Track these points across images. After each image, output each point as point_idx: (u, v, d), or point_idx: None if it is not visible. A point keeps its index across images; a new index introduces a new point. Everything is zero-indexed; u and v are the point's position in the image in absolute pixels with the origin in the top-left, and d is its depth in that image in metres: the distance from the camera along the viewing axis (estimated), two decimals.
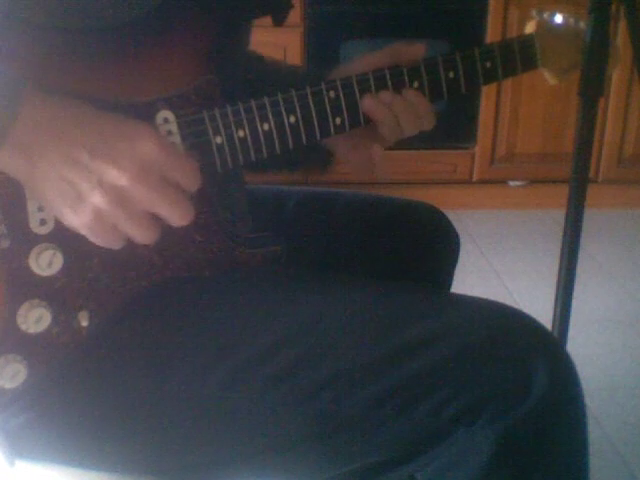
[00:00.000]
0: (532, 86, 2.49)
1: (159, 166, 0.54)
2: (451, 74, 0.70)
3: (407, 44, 0.71)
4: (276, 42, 2.31)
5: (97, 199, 0.52)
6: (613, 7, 0.88)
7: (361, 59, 0.73)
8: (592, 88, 0.89)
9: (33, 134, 0.51)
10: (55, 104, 0.53)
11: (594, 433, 1.43)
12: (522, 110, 2.59)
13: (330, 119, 0.66)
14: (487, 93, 2.52)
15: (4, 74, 0.50)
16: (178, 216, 0.55)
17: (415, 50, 0.70)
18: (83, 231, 0.54)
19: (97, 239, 0.54)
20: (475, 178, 2.69)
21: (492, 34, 2.50)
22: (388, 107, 0.69)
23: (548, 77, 0.78)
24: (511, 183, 2.73)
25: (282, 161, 0.79)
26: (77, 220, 0.53)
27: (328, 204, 0.88)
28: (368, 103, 0.68)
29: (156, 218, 0.55)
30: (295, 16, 2.42)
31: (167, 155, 0.54)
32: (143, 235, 0.55)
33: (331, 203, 0.88)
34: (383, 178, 0.78)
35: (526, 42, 0.73)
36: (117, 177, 0.52)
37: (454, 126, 2.61)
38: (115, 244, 0.55)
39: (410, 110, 0.69)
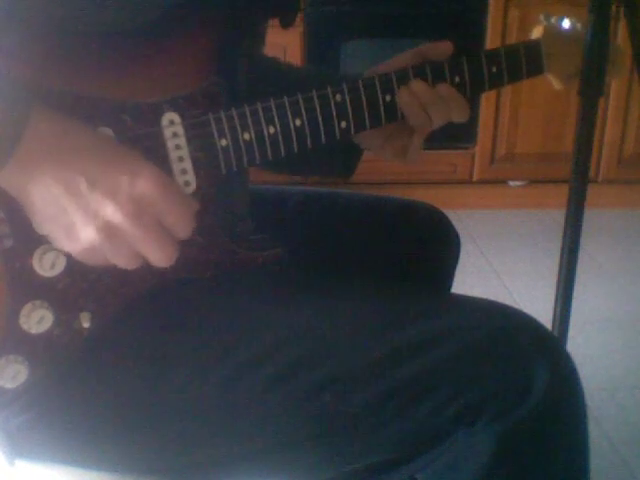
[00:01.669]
0: (532, 86, 2.49)
1: (156, 207, 0.53)
2: (457, 79, 0.70)
3: (434, 44, 0.71)
4: (276, 42, 2.29)
5: (90, 233, 0.52)
6: (613, 7, 0.87)
7: (390, 61, 0.73)
8: (592, 88, 0.89)
9: (36, 156, 0.51)
10: (61, 128, 0.52)
11: (594, 433, 1.43)
12: (522, 110, 2.59)
13: (336, 123, 0.65)
14: (487, 93, 2.52)
15: (11, 93, 0.50)
16: (159, 259, 0.55)
17: (441, 49, 0.70)
18: (73, 255, 0.54)
19: (85, 262, 0.55)
20: (475, 178, 2.69)
21: (492, 34, 2.50)
22: (417, 98, 0.69)
23: (553, 82, 0.78)
24: (511, 183, 2.73)
25: (302, 162, 0.79)
26: (68, 246, 0.54)
27: (328, 204, 0.88)
28: (402, 96, 0.68)
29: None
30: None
31: (166, 197, 0.53)
32: (125, 265, 0.55)
33: (331, 203, 0.88)
34: (413, 163, 0.77)
35: (532, 47, 0.73)
36: (113, 213, 0.52)
37: (454, 126, 2.60)
38: (102, 265, 0.55)
39: (440, 102, 0.70)
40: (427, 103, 0.69)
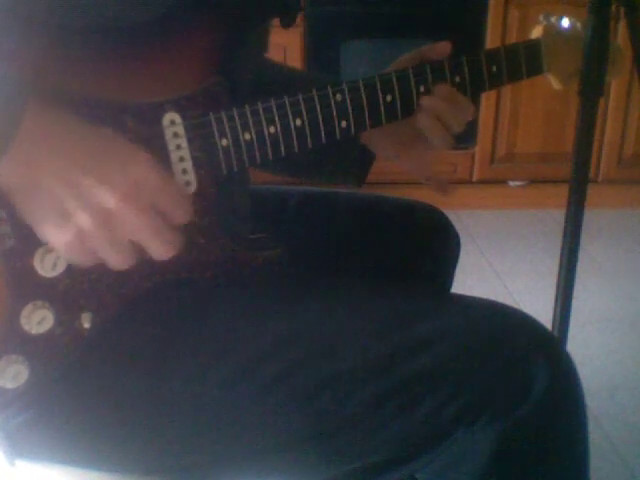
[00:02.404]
0: (532, 86, 2.49)
1: (150, 192, 0.53)
2: (457, 78, 0.70)
3: (431, 45, 0.71)
4: (276, 42, 2.29)
5: (82, 219, 0.51)
6: (613, 7, 0.87)
7: (394, 63, 0.73)
8: (592, 88, 0.89)
9: (30, 147, 0.50)
10: (55, 119, 0.52)
11: (594, 433, 1.43)
12: (522, 110, 2.59)
13: (336, 122, 0.65)
14: (487, 93, 2.52)
15: (8, 85, 0.50)
16: (160, 248, 0.54)
17: (439, 50, 0.70)
18: (60, 248, 0.53)
19: (73, 258, 0.53)
20: (475, 178, 2.69)
21: (492, 34, 2.50)
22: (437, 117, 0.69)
23: (553, 82, 0.78)
24: (511, 183, 2.73)
25: (315, 169, 0.80)
26: (58, 238, 0.52)
27: (328, 204, 0.88)
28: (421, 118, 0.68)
29: (135, 247, 0.54)
30: None
31: (159, 182, 0.53)
32: (117, 262, 0.54)
33: (331, 203, 0.88)
34: (431, 180, 0.78)
35: (532, 47, 0.73)
36: (106, 197, 0.51)
37: None
38: (88, 264, 0.54)
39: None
40: (445, 117, 0.69)
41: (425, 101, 0.68)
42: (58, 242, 0.52)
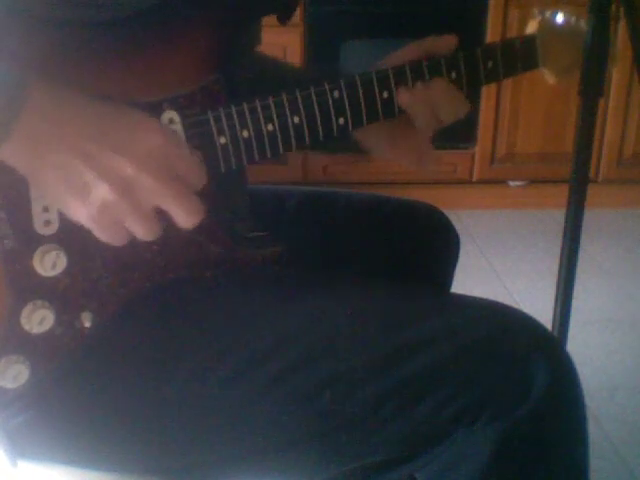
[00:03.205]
0: (532, 86, 2.49)
1: (166, 157, 0.53)
2: (454, 74, 0.70)
3: (437, 39, 0.70)
4: (276, 42, 2.31)
5: (104, 189, 0.51)
6: (613, 7, 0.88)
7: (392, 55, 0.72)
8: (592, 88, 0.89)
9: (39, 125, 0.50)
10: (61, 94, 0.52)
11: (594, 433, 1.43)
12: (522, 110, 2.59)
13: (334, 119, 0.65)
14: (487, 93, 2.52)
15: (10, 65, 0.50)
16: (185, 213, 0.54)
17: (444, 44, 0.70)
18: (88, 224, 0.53)
19: (102, 233, 0.54)
20: (475, 178, 2.69)
21: (492, 34, 2.50)
22: (420, 98, 0.69)
23: (547, 76, 0.78)
24: (511, 183, 2.73)
25: None
26: (83, 212, 0.52)
27: (328, 204, 0.88)
28: (402, 96, 0.68)
29: (160, 215, 0.54)
30: (295, 16, 2.42)
31: (173, 147, 0.54)
32: (145, 230, 0.54)
33: (331, 203, 0.88)
34: (429, 168, 0.78)
35: (527, 42, 0.73)
36: (122, 166, 0.52)
37: (454, 126, 2.59)
38: (119, 239, 0.54)
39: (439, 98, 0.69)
40: (431, 102, 0.69)
41: (421, 90, 0.68)
42: (85, 218, 0.53)
